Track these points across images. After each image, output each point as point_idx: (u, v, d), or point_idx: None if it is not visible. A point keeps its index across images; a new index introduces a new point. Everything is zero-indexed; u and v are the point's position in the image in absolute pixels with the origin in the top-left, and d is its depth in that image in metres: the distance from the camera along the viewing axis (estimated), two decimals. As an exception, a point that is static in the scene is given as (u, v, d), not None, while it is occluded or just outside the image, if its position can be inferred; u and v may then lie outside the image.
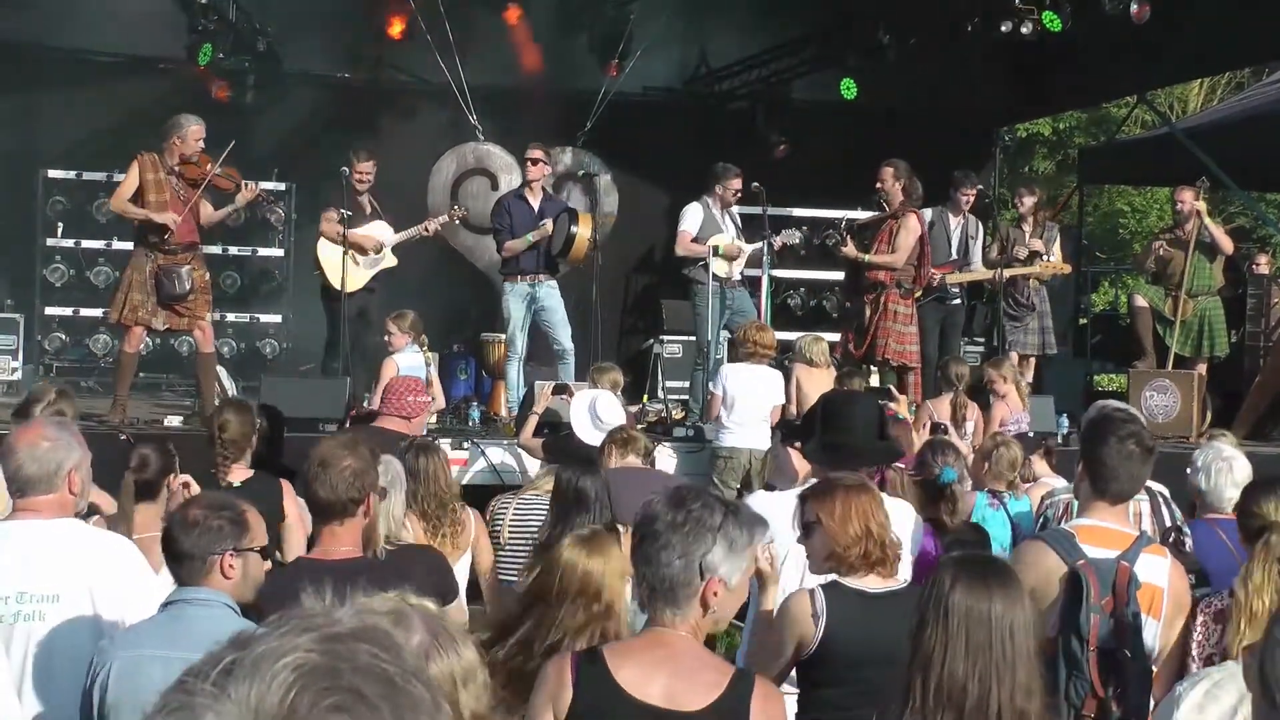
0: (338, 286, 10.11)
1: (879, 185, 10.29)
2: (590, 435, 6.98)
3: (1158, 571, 3.80)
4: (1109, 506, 3.90)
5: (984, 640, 2.65)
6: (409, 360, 8.64)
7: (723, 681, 2.81)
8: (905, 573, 4.29)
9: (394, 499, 4.27)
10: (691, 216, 10.37)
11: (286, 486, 5.46)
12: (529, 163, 10.14)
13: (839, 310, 12.37)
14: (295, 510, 5.34)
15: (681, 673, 2.81)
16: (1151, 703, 3.80)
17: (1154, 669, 3.82)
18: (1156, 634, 3.80)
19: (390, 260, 10.25)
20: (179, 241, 8.76)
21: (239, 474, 5.54)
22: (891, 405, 7.92)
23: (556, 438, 7.57)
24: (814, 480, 4.28)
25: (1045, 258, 10.92)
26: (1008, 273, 10.66)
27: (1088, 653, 3.62)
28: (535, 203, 10.08)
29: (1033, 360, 11.18)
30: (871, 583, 3.65)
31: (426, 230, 10.36)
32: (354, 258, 9.84)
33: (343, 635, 1.03)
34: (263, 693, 0.97)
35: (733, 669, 2.88)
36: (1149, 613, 3.77)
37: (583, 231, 9.96)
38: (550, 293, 10.05)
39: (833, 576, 3.71)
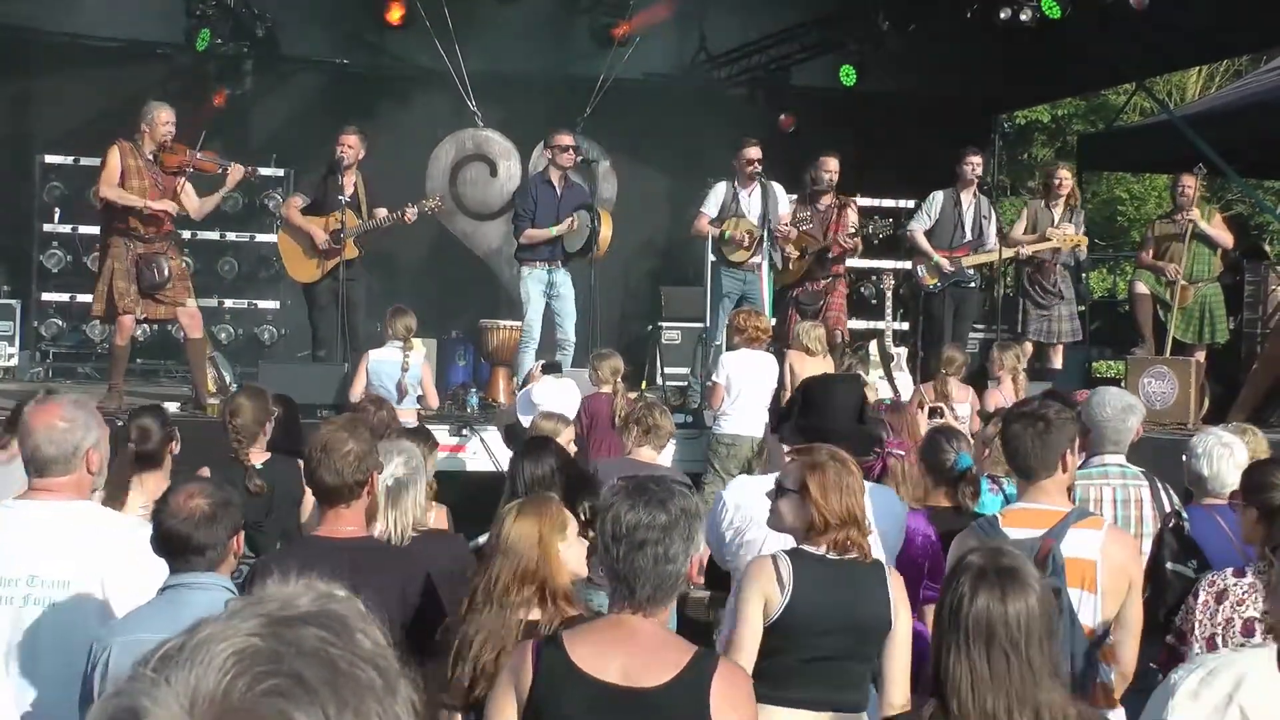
0: (293, 276, 10.06)
1: (830, 176, 10.38)
2: (526, 420, 7.07)
3: (1088, 545, 3.81)
4: (1032, 486, 3.95)
5: (1005, 668, 2.58)
6: (384, 355, 8.54)
7: (683, 659, 2.80)
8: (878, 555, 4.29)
9: (418, 486, 4.30)
10: (712, 197, 10.37)
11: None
12: (557, 149, 10.09)
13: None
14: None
15: (640, 651, 2.81)
16: (1113, 675, 3.83)
17: (1109, 641, 3.84)
18: (1097, 607, 3.81)
19: (350, 252, 9.58)
20: (154, 230, 8.70)
21: (258, 456, 5.60)
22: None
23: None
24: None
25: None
26: (1029, 248, 10.67)
27: None
28: (559, 189, 10.08)
29: (1060, 348, 11.14)
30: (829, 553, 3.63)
31: (388, 221, 9.63)
32: (304, 249, 9.65)
33: (291, 619, 1.02)
34: (200, 677, 0.96)
35: (695, 648, 2.85)
36: (1081, 586, 3.79)
37: (604, 231, 9.97)
38: (566, 279, 10.05)
39: (788, 540, 3.70)
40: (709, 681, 2.77)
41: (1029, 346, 10.79)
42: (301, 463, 5.45)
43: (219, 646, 0.98)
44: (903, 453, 4.93)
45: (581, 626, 3.01)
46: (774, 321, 10.53)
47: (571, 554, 3.55)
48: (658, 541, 2.83)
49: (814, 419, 4.39)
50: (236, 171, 8.96)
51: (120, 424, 7.74)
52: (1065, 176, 11.03)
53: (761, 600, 3.53)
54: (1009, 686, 2.56)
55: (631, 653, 2.80)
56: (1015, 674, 2.56)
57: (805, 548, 3.62)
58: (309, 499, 5.32)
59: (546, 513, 3.56)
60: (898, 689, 3.62)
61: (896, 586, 3.67)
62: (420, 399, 8.56)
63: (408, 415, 8.05)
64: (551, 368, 8.27)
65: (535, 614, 3.42)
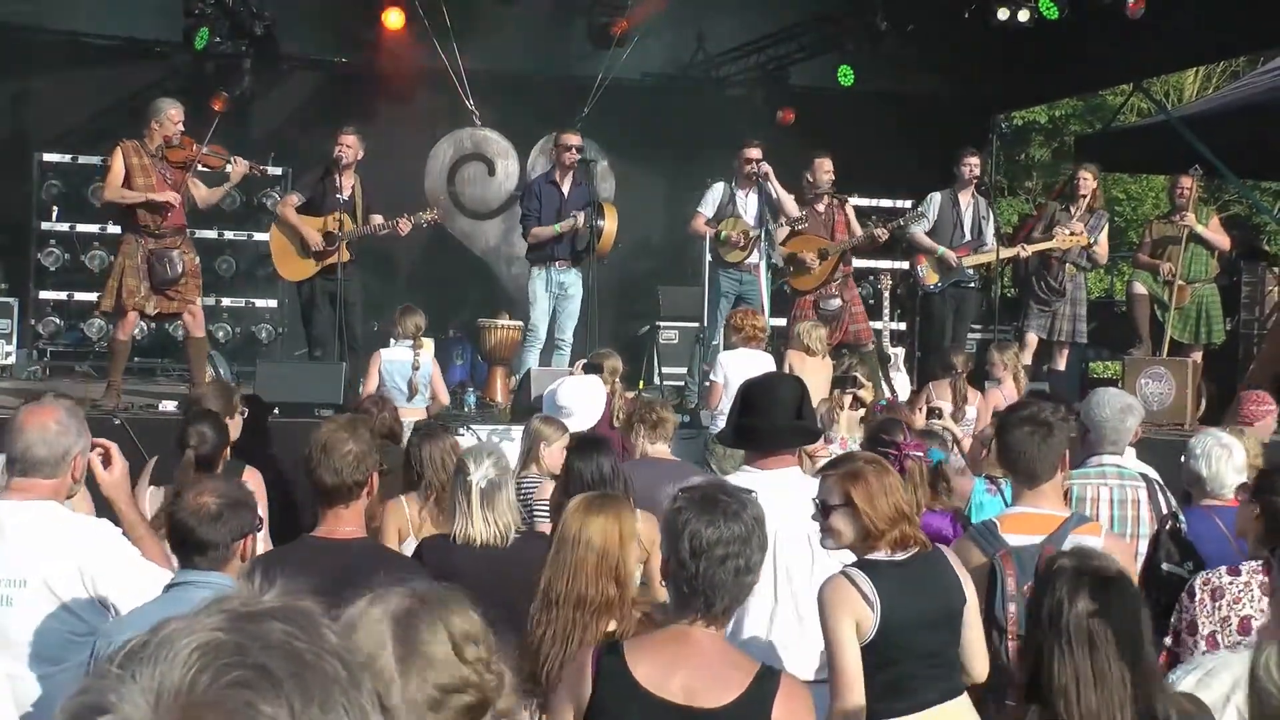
0: (281, 274, 10.08)
1: (828, 177, 10.37)
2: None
3: None
4: (1031, 491, 3.94)
5: (1107, 669, 2.55)
6: (395, 354, 8.59)
7: (745, 679, 2.75)
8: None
9: (510, 487, 4.29)
10: (709, 197, 10.38)
11: (255, 476, 5.34)
12: (562, 148, 10.14)
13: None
14: (261, 502, 5.30)
15: (702, 669, 2.77)
16: None
17: None
18: None
19: (341, 254, 9.46)
20: (169, 225, 8.68)
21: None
22: (860, 392, 7.93)
23: None
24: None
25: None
26: (1031, 248, 10.65)
27: (1005, 643, 3.65)
28: (566, 188, 10.12)
29: (1066, 348, 11.10)
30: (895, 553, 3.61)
31: (382, 229, 9.61)
32: (296, 248, 9.65)
33: (256, 614, 1.02)
34: (165, 672, 0.96)
35: (758, 665, 2.81)
36: None
37: (609, 225, 9.98)
38: (575, 280, 10.12)
39: (846, 553, 3.66)
40: (771, 702, 2.73)
41: (1031, 339, 10.78)
42: (251, 470, 5.43)
43: (183, 641, 0.98)
44: (920, 454, 4.92)
45: (643, 637, 2.98)
46: (780, 322, 10.57)
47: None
48: (738, 554, 2.81)
49: (752, 418, 4.39)
50: (241, 166, 9.03)
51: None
52: (1085, 178, 10.94)
53: (853, 625, 3.45)
54: (1113, 687, 2.54)
55: (694, 670, 2.76)
56: (1117, 675, 2.55)
57: (871, 556, 3.57)
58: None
59: (624, 512, 3.53)
60: (979, 661, 3.59)
61: (957, 563, 3.67)
62: (431, 398, 8.59)
63: (419, 413, 8.07)
64: (592, 368, 8.24)
65: (613, 624, 3.38)
